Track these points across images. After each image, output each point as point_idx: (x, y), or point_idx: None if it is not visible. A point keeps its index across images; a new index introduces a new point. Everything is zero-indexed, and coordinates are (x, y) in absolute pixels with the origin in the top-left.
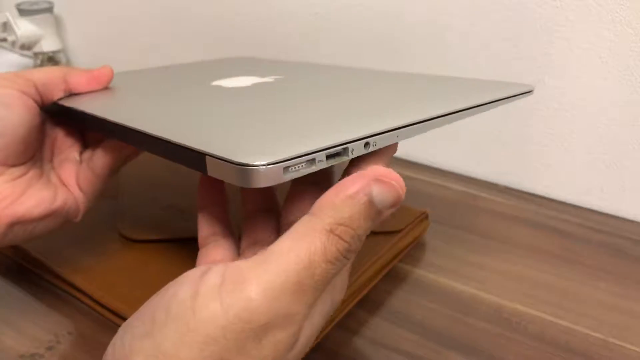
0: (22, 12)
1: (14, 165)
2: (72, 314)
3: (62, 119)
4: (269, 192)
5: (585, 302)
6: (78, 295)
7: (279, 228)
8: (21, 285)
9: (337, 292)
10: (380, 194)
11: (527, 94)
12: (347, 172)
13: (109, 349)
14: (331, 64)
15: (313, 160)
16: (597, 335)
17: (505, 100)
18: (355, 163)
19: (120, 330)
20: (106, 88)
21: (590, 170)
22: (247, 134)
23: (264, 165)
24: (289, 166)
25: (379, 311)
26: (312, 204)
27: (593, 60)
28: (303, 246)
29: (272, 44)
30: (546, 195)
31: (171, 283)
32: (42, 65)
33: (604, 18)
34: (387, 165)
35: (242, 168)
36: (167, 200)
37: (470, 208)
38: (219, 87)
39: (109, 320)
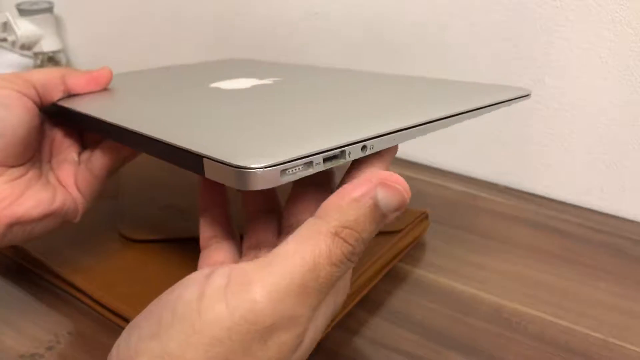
0: (22, 12)
1: (13, 166)
2: (72, 313)
3: (60, 120)
4: (270, 193)
5: (585, 302)
6: (78, 295)
7: (280, 229)
8: (21, 285)
9: (340, 294)
10: (385, 197)
11: (524, 97)
12: (348, 173)
13: (114, 350)
14: (330, 67)
15: (310, 163)
16: (597, 335)
17: (501, 104)
18: (356, 165)
19: (125, 332)
20: (105, 89)
21: (590, 170)
22: (245, 136)
23: (261, 168)
24: (286, 169)
25: (379, 311)
26: (313, 205)
27: (593, 60)
28: (308, 249)
29: (272, 44)
30: (546, 195)
31: (176, 285)
32: (42, 65)
33: (603, 18)
34: (389, 167)
35: (239, 170)
36: (166, 200)
37: (470, 208)
38: (218, 89)
39: (108, 320)
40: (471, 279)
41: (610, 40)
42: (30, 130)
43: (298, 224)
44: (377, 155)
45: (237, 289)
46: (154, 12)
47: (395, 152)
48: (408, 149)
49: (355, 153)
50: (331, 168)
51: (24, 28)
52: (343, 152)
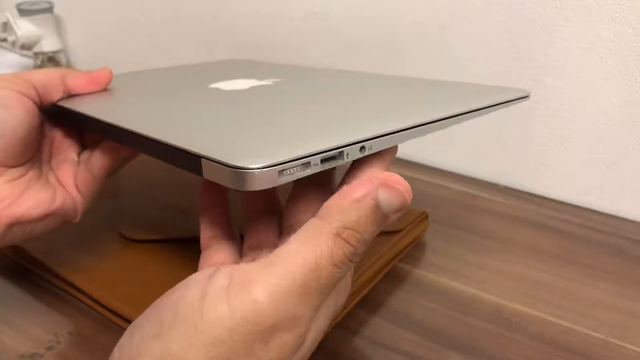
0: (22, 12)
1: (13, 166)
2: (72, 313)
3: (60, 120)
4: (270, 193)
5: (585, 302)
6: (78, 295)
7: (281, 229)
8: (21, 285)
9: (341, 295)
10: (387, 198)
11: (523, 99)
12: (348, 173)
13: (115, 351)
14: (330, 68)
15: (308, 163)
16: (597, 335)
17: (500, 105)
18: (356, 165)
19: (127, 332)
20: (105, 89)
21: (590, 170)
22: (243, 137)
23: (258, 168)
24: (283, 169)
25: (379, 311)
26: (314, 204)
27: (593, 60)
28: (310, 249)
29: (272, 44)
30: (546, 195)
31: (177, 285)
32: (42, 65)
33: (603, 18)
34: (389, 167)
35: (237, 171)
36: (166, 200)
37: (470, 208)
38: (217, 90)
39: (108, 320)
40: (471, 279)
41: (610, 40)
42: (30, 131)
43: (298, 223)
44: (377, 155)
45: (239, 289)
46: (154, 12)
47: (396, 152)
48: (408, 149)
49: (353, 154)
50: (332, 168)
51: (24, 28)
52: (341, 152)
